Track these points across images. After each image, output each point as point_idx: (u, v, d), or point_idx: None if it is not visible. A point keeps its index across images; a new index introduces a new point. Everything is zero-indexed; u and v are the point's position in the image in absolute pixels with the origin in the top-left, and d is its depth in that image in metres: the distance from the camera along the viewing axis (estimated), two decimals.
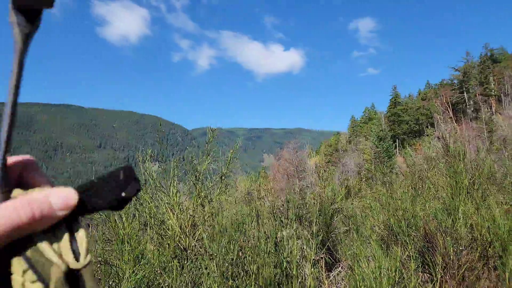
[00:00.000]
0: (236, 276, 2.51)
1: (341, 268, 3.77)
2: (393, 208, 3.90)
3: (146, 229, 3.21)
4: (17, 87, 0.33)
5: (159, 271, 2.64)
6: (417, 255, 3.24)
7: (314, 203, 4.87)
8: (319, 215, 4.54)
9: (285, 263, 2.66)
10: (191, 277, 2.62)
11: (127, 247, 2.69)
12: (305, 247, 2.95)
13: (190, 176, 3.43)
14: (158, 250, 2.92)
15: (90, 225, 3.94)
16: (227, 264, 2.49)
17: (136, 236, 2.82)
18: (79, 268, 0.32)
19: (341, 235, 4.64)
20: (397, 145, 60.73)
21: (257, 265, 2.50)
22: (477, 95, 59.42)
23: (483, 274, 3.11)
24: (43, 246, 0.31)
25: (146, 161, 3.41)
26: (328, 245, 4.05)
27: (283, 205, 3.52)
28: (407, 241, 3.48)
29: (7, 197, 0.31)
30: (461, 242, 3.12)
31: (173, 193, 3.22)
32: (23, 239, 0.30)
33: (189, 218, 3.13)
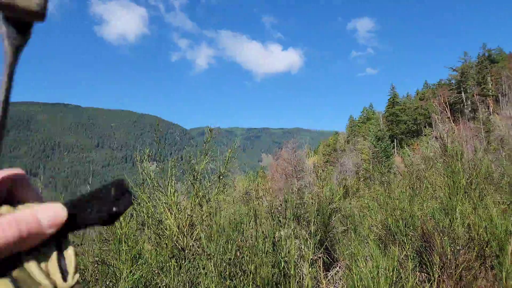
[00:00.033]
0: (234, 276, 2.51)
1: (339, 267, 3.77)
2: (391, 208, 3.90)
3: (143, 229, 3.21)
4: (6, 100, 0.32)
5: (156, 271, 2.63)
6: (415, 255, 3.25)
7: (312, 202, 4.87)
8: (317, 214, 4.54)
9: (283, 262, 2.66)
10: (188, 277, 2.62)
11: (125, 246, 2.68)
12: (303, 246, 2.95)
13: (188, 176, 3.43)
14: (156, 250, 2.92)
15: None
16: (225, 264, 2.49)
17: (133, 235, 2.82)
18: None
19: (339, 234, 4.64)
20: (395, 145, 60.85)
21: (255, 265, 2.50)
22: (474, 95, 59.59)
23: (480, 273, 3.11)
24: (31, 266, 0.30)
25: (144, 160, 3.40)
26: (326, 245, 4.05)
27: (281, 204, 3.52)
28: (405, 240, 3.49)
29: None
30: (458, 241, 3.13)
31: (170, 193, 3.22)
32: (9, 258, 0.29)
33: (187, 217, 3.13)
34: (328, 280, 3.53)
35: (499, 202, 3.82)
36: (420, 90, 79.60)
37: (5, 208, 0.31)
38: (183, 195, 3.47)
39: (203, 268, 2.49)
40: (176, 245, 3.01)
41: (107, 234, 3.02)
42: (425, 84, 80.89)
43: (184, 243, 3.00)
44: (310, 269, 2.78)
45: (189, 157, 3.53)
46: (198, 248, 2.90)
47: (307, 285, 2.68)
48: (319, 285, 3.20)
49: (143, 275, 2.65)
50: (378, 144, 44.47)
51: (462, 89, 63.04)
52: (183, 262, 2.78)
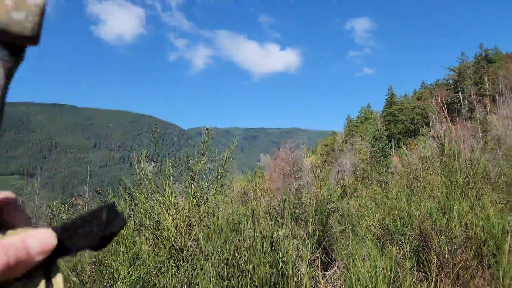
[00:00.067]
0: (232, 276, 2.51)
1: (337, 267, 3.77)
2: (389, 208, 3.91)
3: (141, 230, 3.20)
4: None
5: (154, 272, 2.63)
6: (412, 254, 3.26)
7: (310, 202, 4.88)
8: (315, 214, 4.54)
9: (281, 263, 2.66)
10: (186, 278, 2.61)
11: (122, 247, 2.68)
12: (301, 246, 2.95)
13: (185, 176, 3.43)
14: (154, 250, 2.91)
15: None
16: (223, 264, 2.48)
17: (131, 236, 2.81)
18: None
19: (337, 234, 4.65)
20: (393, 144, 60.97)
21: (253, 265, 2.50)
22: (471, 95, 59.80)
23: (477, 272, 3.13)
24: None
25: (142, 161, 3.40)
26: (324, 245, 4.06)
27: (279, 204, 3.52)
28: (402, 240, 3.50)
29: None
30: (455, 241, 3.14)
31: (168, 194, 3.21)
32: None
33: (185, 218, 3.12)
34: (326, 280, 3.53)
35: (496, 201, 3.84)
36: (417, 90, 79.85)
37: None
38: (181, 195, 3.47)
39: (201, 269, 2.49)
40: (174, 246, 3.00)
41: None
42: (423, 84, 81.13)
43: (182, 244, 2.99)
44: (308, 269, 2.78)
45: (186, 157, 3.53)
46: (196, 248, 2.90)
47: (305, 285, 2.68)
48: (317, 285, 3.20)
49: (141, 276, 2.65)
50: (375, 144, 44.54)
51: (459, 89, 63.26)
52: (181, 262, 2.78)
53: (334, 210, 5.00)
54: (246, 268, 2.51)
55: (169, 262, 2.69)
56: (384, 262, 2.57)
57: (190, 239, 3.04)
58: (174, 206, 3.19)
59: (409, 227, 3.62)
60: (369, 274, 2.55)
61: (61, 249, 0.32)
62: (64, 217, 2.87)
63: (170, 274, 2.58)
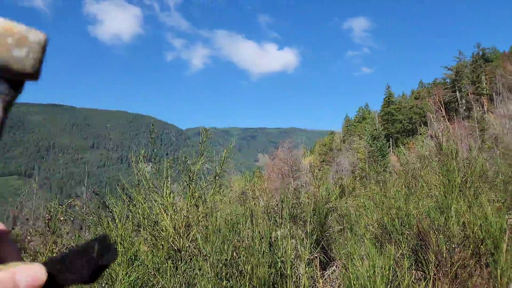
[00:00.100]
0: (231, 276, 2.51)
1: (336, 267, 3.78)
2: (387, 207, 3.92)
3: (139, 230, 3.19)
4: None
5: (152, 273, 2.62)
6: (411, 253, 3.27)
7: (308, 202, 4.88)
8: (314, 214, 4.55)
9: (279, 262, 2.66)
10: (185, 278, 2.61)
11: (120, 248, 2.67)
12: (299, 246, 2.95)
13: (183, 177, 3.42)
14: (152, 251, 2.91)
15: (83, 227, 3.91)
16: (221, 265, 2.48)
17: (129, 237, 2.80)
18: None
19: (335, 234, 4.65)
20: (391, 144, 61.09)
21: (252, 265, 2.50)
22: (469, 94, 59.98)
23: (475, 271, 3.13)
24: None
25: (139, 161, 3.39)
26: (322, 244, 4.06)
27: (277, 204, 3.52)
28: (401, 239, 3.50)
29: None
30: (453, 240, 3.15)
31: (166, 194, 3.21)
32: None
33: (183, 218, 3.12)
34: (324, 280, 3.53)
35: (493, 200, 3.85)
36: (415, 89, 79.94)
37: None
38: (179, 195, 3.46)
39: (200, 269, 2.49)
40: (172, 246, 3.00)
41: None
42: (420, 83, 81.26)
43: (180, 244, 2.99)
44: (307, 268, 2.78)
45: (184, 157, 3.53)
46: (195, 249, 2.89)
47: (304, 284, 2.69)
48: (315, 285, 3.21)
49: (139, 277, 2.64)
50: (373, 143, 44.62)
51: (456, 88, 63.44)
52: (179, 263, 2.78)
53: (333, 210, 5.01)
54: (244, 268, 2.51)
55: (167, 263, 2.68)
56: (383, 261, 2.58)
57: (188, 240, 3.04)
58: (172, 206, 3.18)
59: (407, 226, 3.63)
60: (368, 274, 2.56)
61: (51, 284, 0.31)
62: (62, 218, 2.86)
63: (168, 275, 2.57)
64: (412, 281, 2.82)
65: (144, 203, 3.21)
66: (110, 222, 2.81)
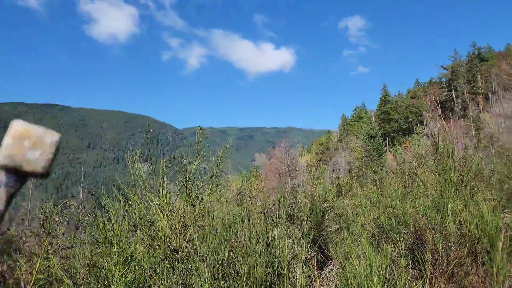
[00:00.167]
0: (228, 276, 2.50)
1: (333, 266, 3.78)
2: (384, 206, 3.92)
3: (135, 231, 3.18)
4: None
5: (149, 273, 2.61)
6: (407, 252, 3.27)
7: (305, 202, 4.88)
8: (311, 213, 4.55)
9: (276, 262, 2.66)
10: (181, 279, 2.60)
11: (116, 249, 2.65)
12: (296, 246, 2.95)
13: (180, 177, 3.41)
14: (148, 251, 2.89)
15: (79, 228, 3.88)
16: (218, 265, 2.48)
17: (125, 237, 2.79)
18: None
19: (332, 233, 4.66)
20: (387, 143, 61.30)
21: (249, 265, 2.49)
22: (465, 93, 60.28)
23: (471, 269, 3.15)
24: None
25: (135, 161, 3.37)
26: (319, 244, 4.06)
27: (274, 204, 3.51)
28: (397, 238, 3.51)
29: None
30: (450, 238, 3.16)
31: (162, 194, 3.19)
32: None
33: (180, 218, 3.11)
34: (322, 279, 3.54)
35: (489, 199, 3.86)
36: (411, 88, 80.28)
37: None
38: (176, 196, 3.45)
39: (196, 270, 2.48)
40: (168, 247, 2.99)
41: (99, 236, 2.98)
42: (416, 82, 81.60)
43: (177, 245, 2.98)
44: (304, 268, 2.78)
45: (181, 157, 3.51)
46: (191, 249, 2.88)
47: (301, 284, 2.68)
48: (312, 284, 3.21)
49: (136, 278, 2.63)
50: (370, 143, 44.74)
51: (452, 87, 63.74)
52: (176, 263, 2.76)
53: (330, 209, 5.01)
54: (241, 269, 2.50)
55: (164, 263, 2.67)
56: (380, 260, 2.58)
57: (185, 240, 3.03)
58: (169, 206, 3.17)
59: (404, 225, 3.64)
60: (365, 273, 2.56)
61: None
62: (57, 218, 2.84)
63: (165, 275, 2.56)
64: (409, 279, 2.82)
65: (140, 203, 3.19)
66: (106, 222, 2.79)
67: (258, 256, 2.53)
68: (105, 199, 3.12)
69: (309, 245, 2.94)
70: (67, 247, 3.00)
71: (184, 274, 2.64)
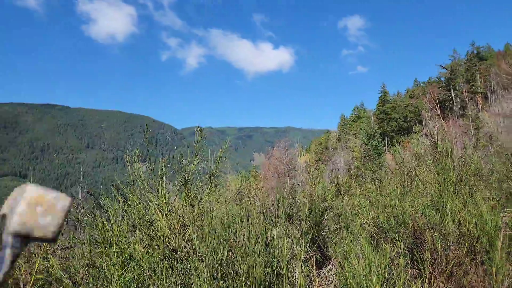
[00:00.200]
0: (227, 276, 2.50)
1: (332, 265, 3.78)
2: (382, 206, 3.93)
3: (135, 231, 3.18)
4: None
5: (148, 273, 2.61)
6: (406, 252, 3.27)
7: (304, 201, 4.88)
8: (310, 213, 4.55)
9: (275, 262, 2.66)
10: (180, 279, 2.60)
11: (116, 249, 2.65)
12: (295, 245, 2.95)
13: (179, 177, 3.41)
14: (147, 251, 2.89)
15: (78, 227, 3.88)
16: (217, 265, 2.47)
17: (124, 237, 2.79)
18: None
19: (331, 233, 4.66)
20: (386, 142, 61.36)
21: (248, 265, 2.49)
22: (463, 92, 60.36)
23: (470, 269, 3.15)
24: None
25: (134, 161, 3.37)
26: (318, 243, 4.06)
27: (273, 204, 3.51)
28: (396, 238, 3.51)
29: None
30: (449, 238, 3.16)
31: (161, 194, 3.19)
32: None
33: (179, 218, 3.10)
34: (321, 278, 3.53)
35: (488, 198, 3.87)
36: (410, 87, 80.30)
37: None
38: (175, 195, 3.45)
39: (195, 270, 2.47)
40: (168, 247, 2.98)
41: (98, 236, 2.98)
42: (415, 81, 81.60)
43: (176, 245, 2.98)
44: (303, 267, 2.78)
45: (180, 157, 3.51)
46: (190, 249, 2.88)
47: (300, 283, 2.68)
48: (311, 284, 3.21)
49: (135, 278, 2.63)
50: (369, 142, 44.76)
51: (451, 86, 63.80)
52: (175, 263, 2.76)
53: (329, 209, 5.01)
54: (240, 268, 2.50)
55: (163, 263, 2.67)
56: (379, 260, 2.58)
57: (184, 240, 3.02)
58: (168, 206, 3.17)
59: (403, 224, 3.64)
60: (364, 272, 2.56)
61: None
62: None
63: (164, 275, 2.56)
64: (408, 279, 2.82)
65: (139, 203, 3.19)
66: (105, 222, 2.79)
67: (257, 256, 2.53)
68: (104, 199, 3.12)
69: (308, 244, 2.95)
70: (66, 247, 2.99)
71: (183, 274, 2.63)
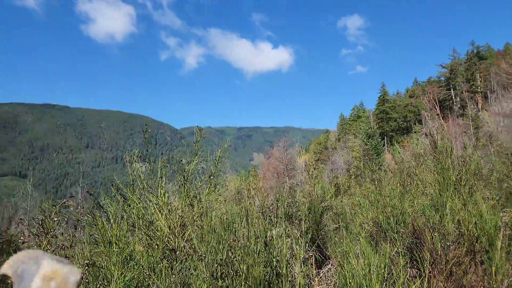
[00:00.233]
0: (226, 276, 2.50)
1: (331, 265, 3.78)
2: (382, 205, 3.93)
3: (134, 230, 3.17)
4: None
5: (148, 273, 2.61)
6: (406, 251, 3.27)
7: (303, 201, 4.88)
8: (309, 213, 4.55)
9: (275, 262, 2.66)
10: (180, 278, 2.60)
11: (115, 248, 2.65)
12: (295, 245, 2.95)
13: (178, 176, 3.40)
14: (147, 251, 2.89)
15: (78, 227, 3.88)
16: (216, 265, 2.47)
17: (124, 237, 2.79)
18: None
19: (330, 232, 4.66)
20: (386, 142, 61.36)
21: (247, 265, 2.49)
22: (463, 92, 60.38)
23: (470, 268, 3.15)
24: None
25: (134, 161, 3.36)
26: (317, 243, 4.07)
27: (272, 204, 3.51)
28: (396, 237, 3.51)
29: None
30: (448, 237, 3.16)
31: (161, 194, 3.19)
32: None
33: (178, 218, 3.10)
34: (320, 278, 3.54)
35: (488, 197, 3.87)
36: (410, 87, 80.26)
37: None
38: (174, 195, 3.45)
39: (195, 269, 2.47)
40: (167, 246, 2.98)
41: (98, 236, 2.98)
42: (415, 81, 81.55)
43: (176, 244, 2.97)
44: (302, 267, 2.78)
45: (179, 157, 3.51)
46: (190, 248, 2.88)
47: (299, 283, 2.68)
48: (311, 283, 3.21)
49: (135, 277, 2.63)
50: (368, 142, 44.74)
51: (451, 86, 63.81)
52: (174, 263, 2.76)
53: (328, 208, 5.01)
54: (240, 268, 2.50)
55: (162, 263, 2.67)
56: (378, 259, 2.58)
57: (183, 239, 3.02)
58: (167, 206, 3.17)
59: (402, 224, 3.64)
60: (363, 272, 2.56)
61: None
62: (56, 218, 2.83)
63: (163, 275, 2.56)
64: (407, 278, 2.82)
65: (139, 203, 3.19)
66: (105, 222, 2.79)
67: (256, 256, 2.53)
68: (104, 199, 3.12)
69: (307, 244, 2.95)
70: (66, 246, 2.99)
71: (182, 273, 2.63)
